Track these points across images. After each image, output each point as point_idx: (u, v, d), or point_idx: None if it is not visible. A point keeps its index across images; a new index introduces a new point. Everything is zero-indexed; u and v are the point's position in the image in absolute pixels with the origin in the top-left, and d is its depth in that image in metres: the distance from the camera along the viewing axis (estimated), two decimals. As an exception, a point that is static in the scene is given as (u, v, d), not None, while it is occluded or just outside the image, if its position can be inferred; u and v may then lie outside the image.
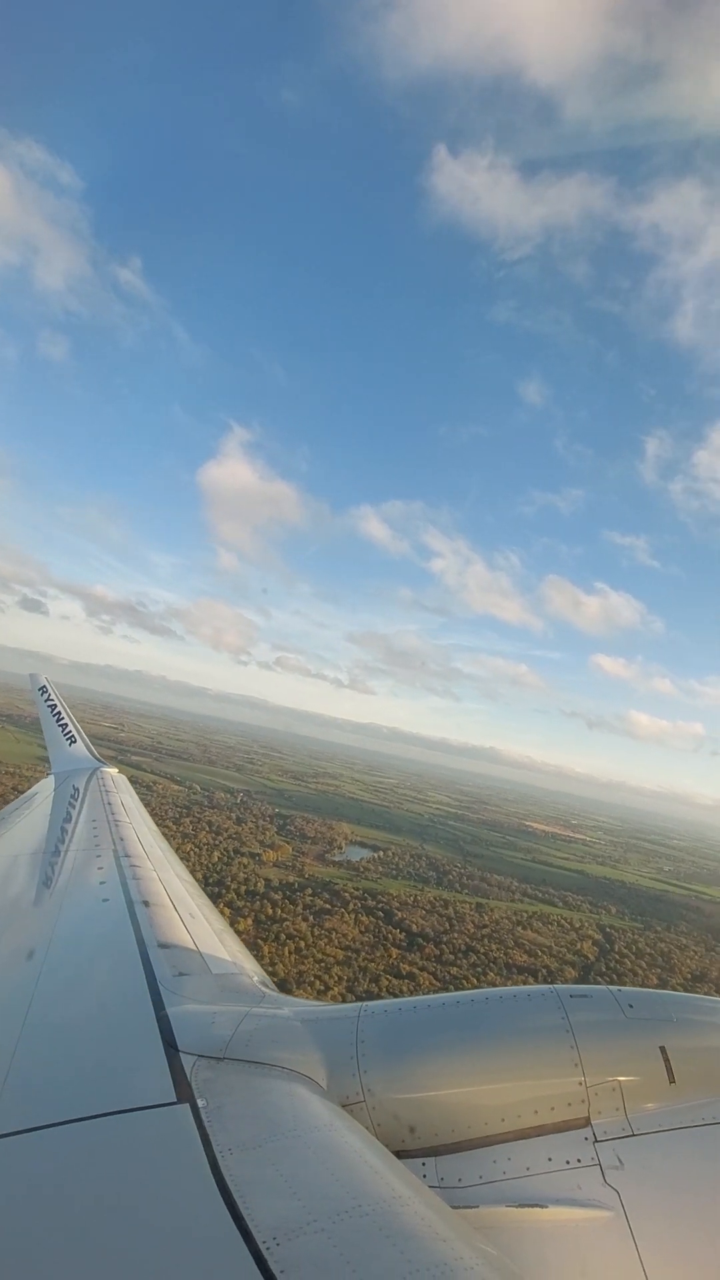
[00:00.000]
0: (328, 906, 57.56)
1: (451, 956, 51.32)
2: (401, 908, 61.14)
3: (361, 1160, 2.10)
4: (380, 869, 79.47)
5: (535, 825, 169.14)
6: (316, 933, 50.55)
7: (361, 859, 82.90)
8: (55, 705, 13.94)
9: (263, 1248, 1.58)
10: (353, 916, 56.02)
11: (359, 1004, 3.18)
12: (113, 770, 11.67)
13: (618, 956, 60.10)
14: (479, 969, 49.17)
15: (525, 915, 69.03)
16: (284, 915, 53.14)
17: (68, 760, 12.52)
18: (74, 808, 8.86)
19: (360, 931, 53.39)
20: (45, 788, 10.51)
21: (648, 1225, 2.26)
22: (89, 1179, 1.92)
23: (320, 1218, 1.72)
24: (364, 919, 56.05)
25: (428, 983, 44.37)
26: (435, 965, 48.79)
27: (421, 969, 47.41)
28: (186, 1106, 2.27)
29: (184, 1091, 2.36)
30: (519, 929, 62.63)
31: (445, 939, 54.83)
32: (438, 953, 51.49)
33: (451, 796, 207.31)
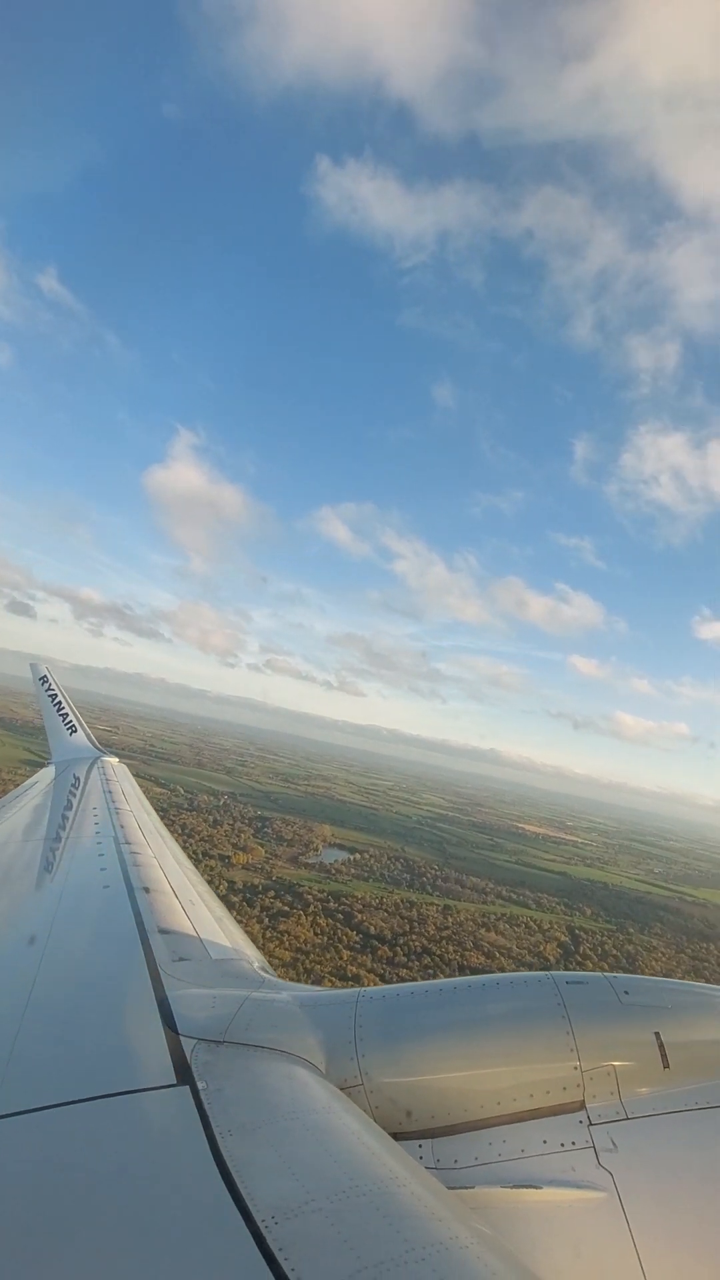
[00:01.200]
0: (286, 909, 57.90)
1: (404, 959, 51.60)
2: (364, 910, 61.43)
3: (359, 1142, 2.13)
4: (353, 871, 79.77)
5: (527, 827, 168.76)
6: (269, 935, 50.94)
7: (336, 861, 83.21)
8: (56, 695, 14.06)
9: (262, 1227, 1.60)
10: (310, 919, 56.28)
11: (357, 989, 3.24)
12: (113, 759, 11.76)
13: (580, 958, 60.17)
14: (430, 971, 49.39)
15: (493, 917, 69.17)
16: (239, 918, 53.45)
17: (68, 750, 12.57)
18: (75, 796, 8.91)
19: (315, 934, 53.67)
20: (45, 777, 10.63)
21: (640, 1206, 2.31)
22: (90, 1160, 1.95)
23: (318, 1198, 1.74)
24: (322, 921, 56.32)
25: (374, 984, 44.65)
26: (385, 967, 49.07)
27: (369, 970, 47.66)
28: (186, 1089, 2.30)
29: (184, 1074, 2.39)
30: (482, 931, 62.79)
31: (402, 941, 55.11)
32: (391, 955, 51.78)
33: (446, 798, 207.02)
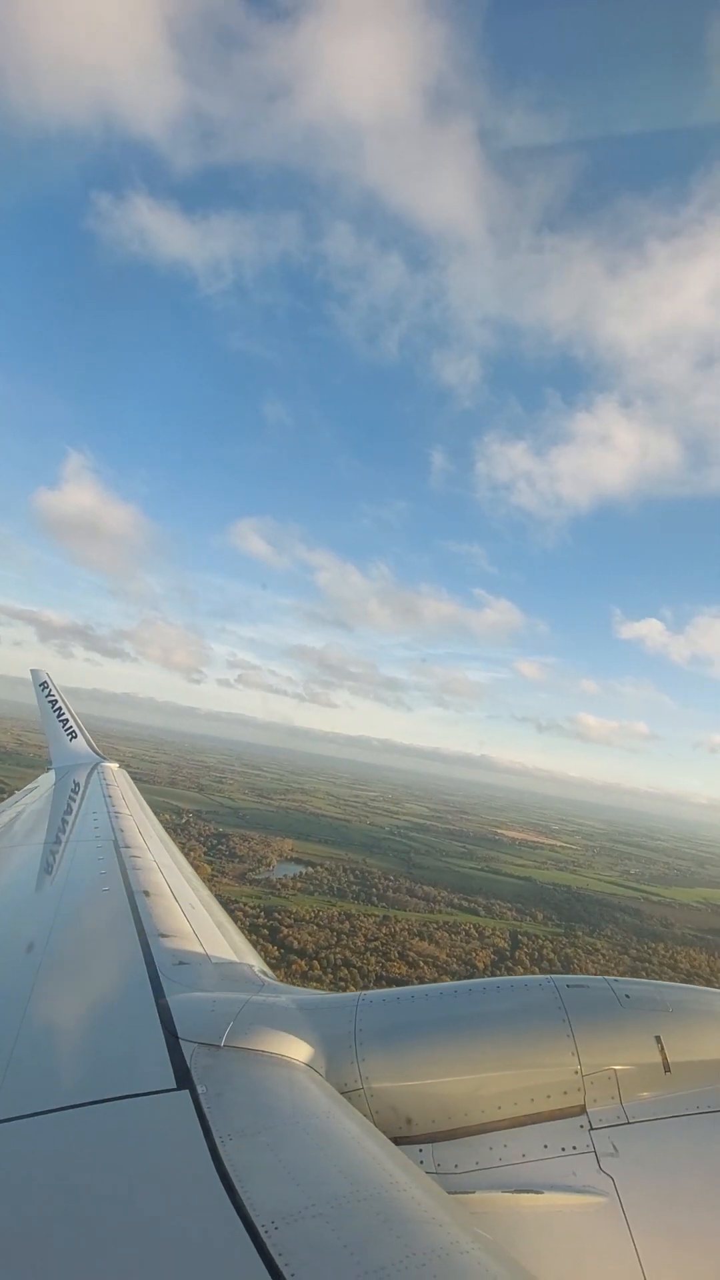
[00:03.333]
0: (212, 926, 57.92)
1: (320, 972, 51.58)
2: (294, 924, 61.43)
3: (359, 1147, 2.13)
4: (300, 885, 79.68)
5: (508, 833, 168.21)
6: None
7: (285, 876, 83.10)
8: (56, 701, 14.42)
9: (262, 1233, 1.59)
10: (233, 935, 56.35)
11: (357, 993, 3.23)
12: (113, 765, 12.12)
13: (513, 963, 60.16)
14: (342, 984, 49.48)
15: (433, 926, 69.11)
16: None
17: (68, 755, 12.92)
18: (75, 800, 9.08)
19: (234, 950, 53.71)
20: (45, 782, 10.92)
21: (642, 1211, 2.30)
22: (90, 1164, 1.96)
23: (319, 1203, 1.74)
24: (247, 937, 56.37)
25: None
26: (297, 981, 49.17)
27: (279, 985, 47.76)
28: (186, 1093, 2.29)
29: (183, 1078, 2.39)
30: (415, 940, 62.77)
31: (323, 954, 55.12)
32: (306, 968, 51.79)
33: (430, 807, 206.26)
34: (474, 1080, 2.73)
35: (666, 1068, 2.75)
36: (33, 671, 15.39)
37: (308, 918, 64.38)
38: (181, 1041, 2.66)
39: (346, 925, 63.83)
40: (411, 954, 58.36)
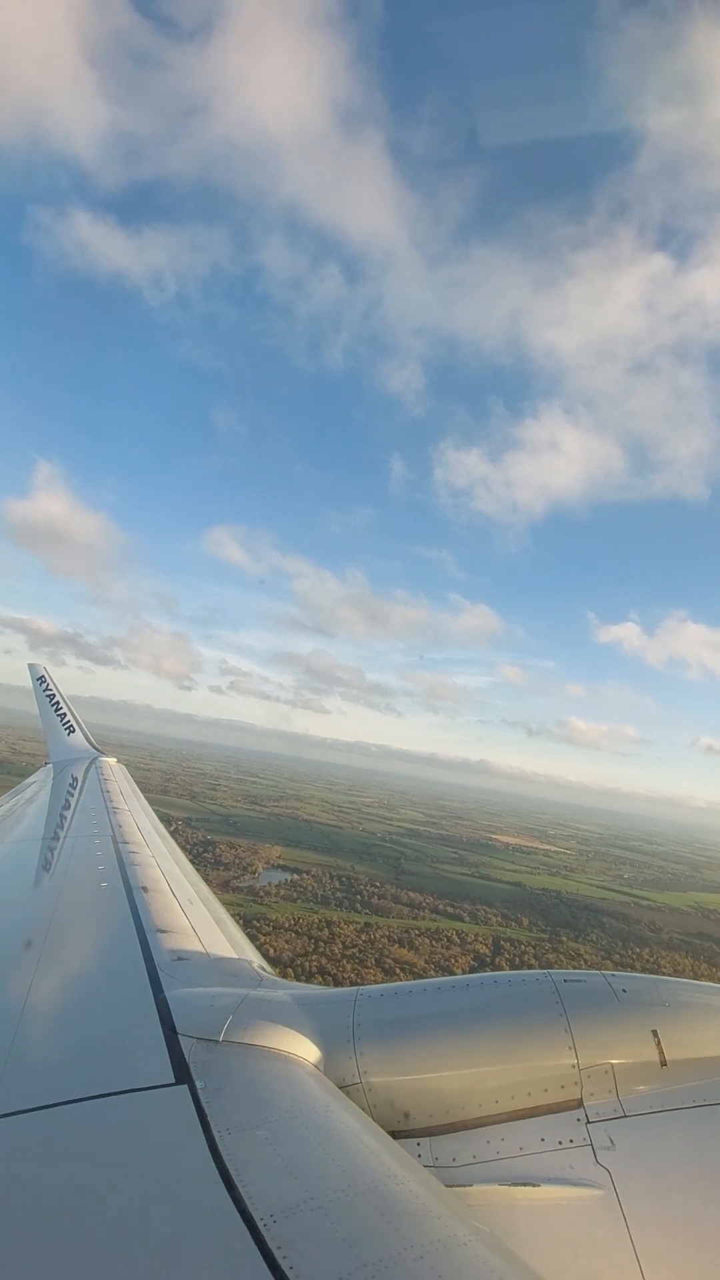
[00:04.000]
0: (188, 934, 57.79)
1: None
2: (272, 931, 61.27)
3: (357, 1140, 2.15)
4: (283, 893, 79.49)
5: (503, 838, 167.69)
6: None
7: (269, 883, 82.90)
8: (54, 695, 14.51)
9: (261, 1226, 1.60)
10: (208, 943, 56.21)
11: (355, 988, 3.25)
12: (111, 760, 12.17)
13: (491, 970, 59.98)
14: (315, 990, 49.43)
15: (415, 932, 68.88)
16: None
17: (66, 750, 13.02)
18: (72, 795, 9.09)
19: (208, 958, 53.56)
20: (43, 777, 10.91)
21: (638, 1203, 2.32)
22: (89, 1159, 1.96)
23: (317, 1196, 1.75)
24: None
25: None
26: (270, 989, 49.03)
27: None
28: (185, 1088, 2.30)
29: (182, 1073, 2.39)
30: (394, 947, 62.57)
31: (298, 962, 54.96)
32: (280, 975, 51.67)
33: (426, 813, 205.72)
34: (471, 1074, 2.74)
35: (663, 1062, 2.77)
36: (30, 666, 15.56)
37: (287, 925, 64.21)
38: (180, 1036, 2.67)
39: (325, 933, 63.64)
40: (389, 960, 58.17)
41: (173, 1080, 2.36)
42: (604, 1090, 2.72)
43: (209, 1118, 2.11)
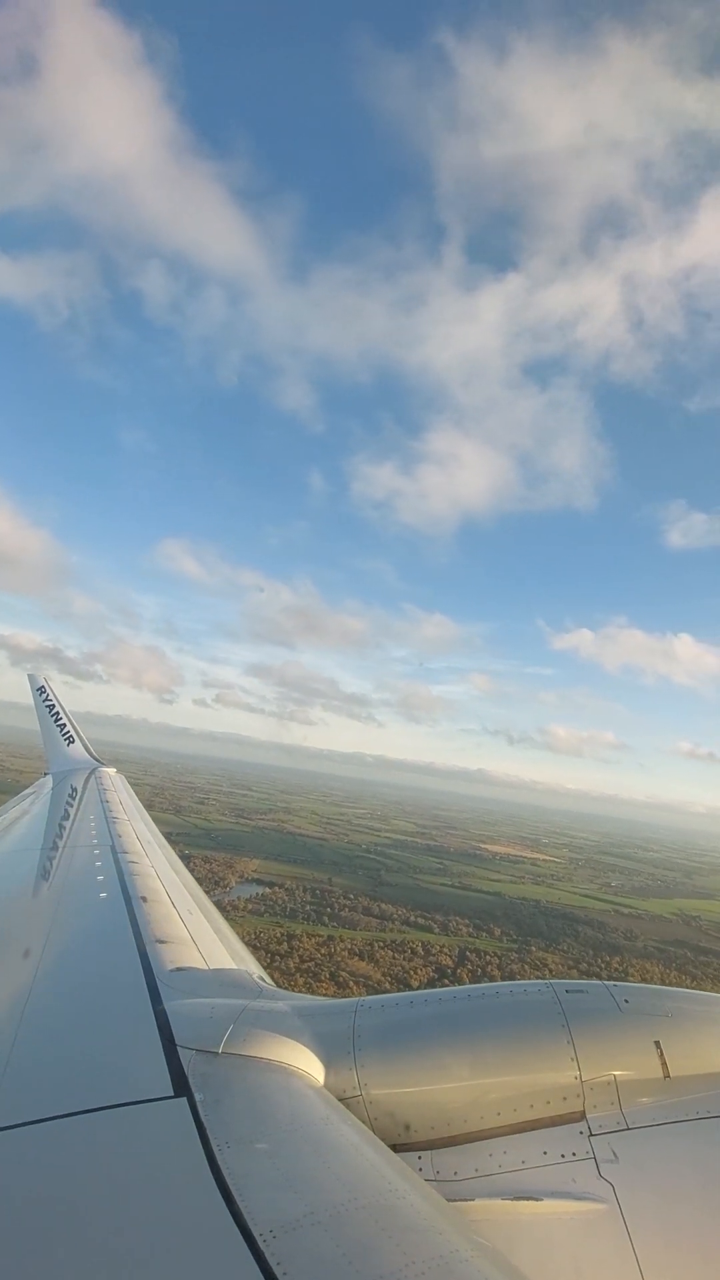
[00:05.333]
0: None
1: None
2: (229, 946, 61.09)
3: (358, 1154, 2.12)
4: (251, 906, 79.22)
5: (492, 847, 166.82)
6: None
7: (239, 897, 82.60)
8: (53, 705, 14.50)
9: (260, 1242, 1.58)
10: (161, 959, 56.05)
11: (356, 999, 3.21)
12: (111, 770, 12.09)
13: (453, 980, 59.63)
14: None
15: (379, 944, 68.53)
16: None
17: (65, 760, 12.93)
18: (72, 805, 9.15)
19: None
20: (42, 787, 10.96)
21: (642, 1218, 2.28)
22: (87, 1172, 1.94)
23: (317, 1211, 1.73)
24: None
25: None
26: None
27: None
28: (184, 1100, 2.28)
29: (181, 1085, 2.37)
30: (354, 960, 62.26)
31: (250, 976, 54.81)
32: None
33: (419, 823, 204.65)
34: (473, 1086, 2.71)
35: (666, 1073, 2.73)
36: (30, 676, 15.64)
37: (247, 940, 63.53)
38: (179, 1048, 2.65)
39: (284, 946, 63.37)
40: (344, 974, 57.88)
41: (171, 1093, 2.33)
42: (607, 1102, 2.67)
43: (208, 1131, 2.08)
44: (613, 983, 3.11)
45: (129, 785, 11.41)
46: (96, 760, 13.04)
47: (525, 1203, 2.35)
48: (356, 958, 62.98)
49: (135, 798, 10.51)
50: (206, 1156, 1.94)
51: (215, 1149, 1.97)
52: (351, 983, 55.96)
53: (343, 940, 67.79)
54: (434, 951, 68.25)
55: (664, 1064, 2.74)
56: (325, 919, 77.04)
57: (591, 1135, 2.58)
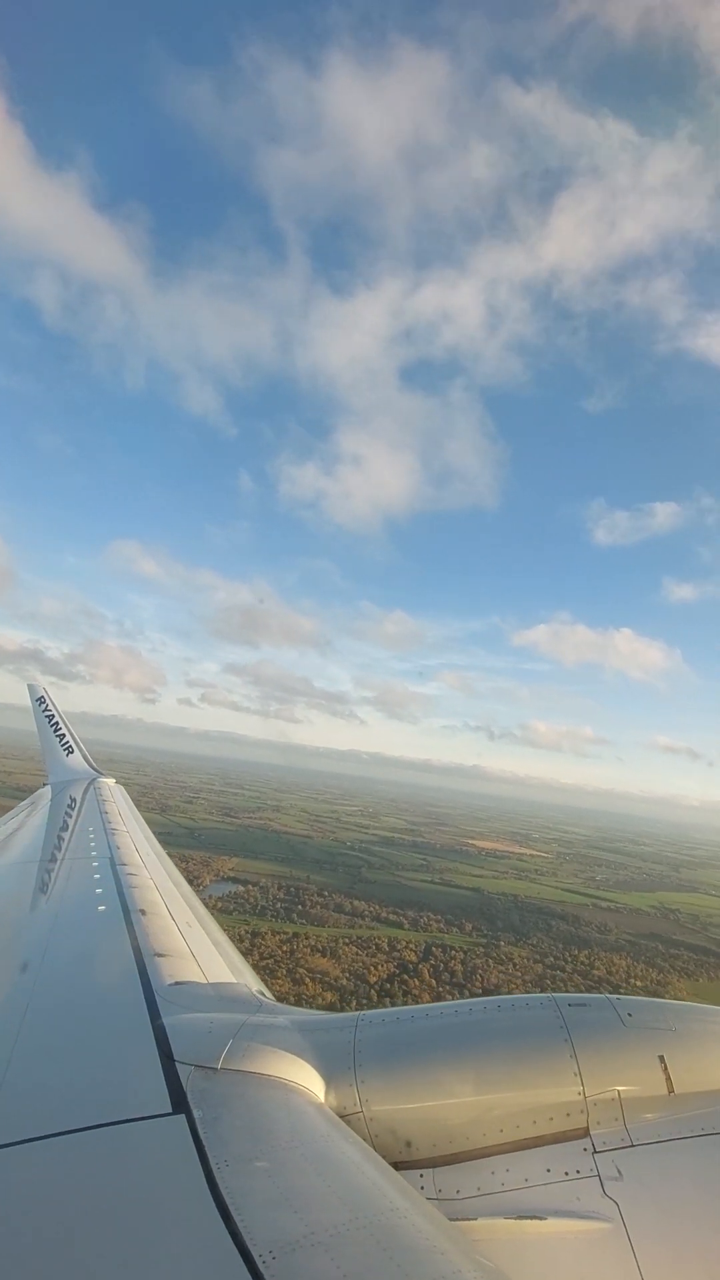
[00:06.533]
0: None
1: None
2: (190, 944, 61.28)
3: (359, 1172, 2.10)
4: (220, 905, 79.33)
5: (479, 843, 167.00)
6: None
7: (211, 896, 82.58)
8: (53, 716, 14.43)
9: (259, 1262, 1.56)
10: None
11: (356, 1013, 3.18)
12: (110, 780, 12.04)
13: (409, 977, 59.76)
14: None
15: (344, 940, 68.71)
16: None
17: (65, 771, 12.85)
18: (70, 817, 9.04)
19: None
20: (42, 798, 10.88)
21: (647, 1236, 2.24)
22: (84, 1190, 1.92)
23: (317, 1231, 1.71)
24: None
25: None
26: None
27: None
28: (182, 1117, 2.26)
29: (180, 1102, 2.35)
30: (315, 957, 62.41)
31: (206, 973, 54.97)
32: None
33: (410, 820, 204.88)
34: (475, 1102, 2.67)
35: (670, 1089, 2.69)
36: (30, 686, 15.58)
37: (209, 937, 64.11)
38: (177, 1064, 2.62)
39: (246, 944, 63.56)
40: (301, 970, 58.05)
41: (170, 1110, 2.31)
42: (611, 1119, 2.63)
43: (206, 1148, 2.06)
44: (616, 996, 3.06)
45: (128, 796, 11.38)
46: (96, 770, 12.99)
47: (529, 1222, 2.32)
48: (319, 954, 63.13)
49: (134, 809, 10.48)
50: (205, 1175, 1.92)
51: (214, 1167, 1.95)
52: (308, 979, 56.14)
53: (308, 937, 67.95)
54: (399, 947, 68.41)
55: (668, 1079, 2.70)
56: (294, 916, 77.22)
57: (595, 1152, 2.54)
